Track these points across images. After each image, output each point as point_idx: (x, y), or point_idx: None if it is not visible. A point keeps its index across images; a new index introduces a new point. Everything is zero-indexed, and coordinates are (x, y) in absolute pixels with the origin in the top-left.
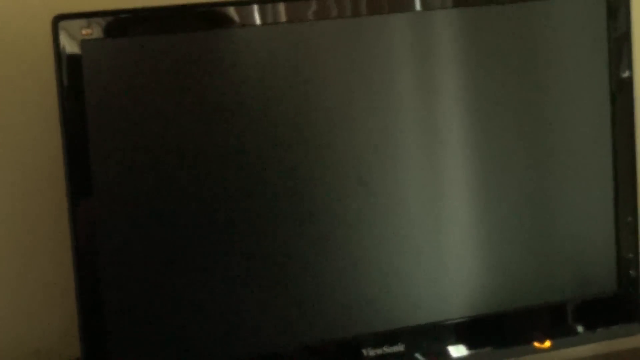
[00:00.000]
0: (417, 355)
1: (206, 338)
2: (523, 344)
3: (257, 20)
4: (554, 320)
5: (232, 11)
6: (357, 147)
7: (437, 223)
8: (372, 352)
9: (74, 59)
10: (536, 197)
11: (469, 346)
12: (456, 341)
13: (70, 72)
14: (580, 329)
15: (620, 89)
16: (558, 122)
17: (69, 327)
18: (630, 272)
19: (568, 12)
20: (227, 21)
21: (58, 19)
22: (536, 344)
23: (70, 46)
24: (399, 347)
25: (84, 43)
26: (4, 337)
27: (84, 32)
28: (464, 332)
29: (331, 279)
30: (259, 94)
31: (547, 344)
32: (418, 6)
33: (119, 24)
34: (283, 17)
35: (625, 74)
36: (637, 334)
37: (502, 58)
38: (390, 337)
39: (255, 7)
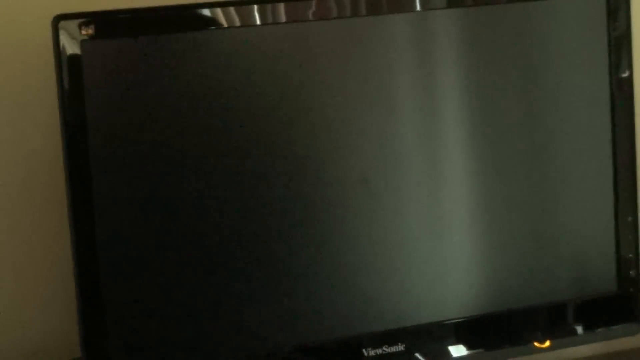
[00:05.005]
0: (418, 355)
1: (206, 338)
2: (523, 344)
3: (258, 20)
4: (554, 320)
5: (232, 11)
6: (359, 147)
7: (437, 223)
8: (372, 352)
9: (74, 59)
10: (536, 197)
11: (469, 346)
12: (456, 341)
13: (70, 72)
14: (580, 328)
15: (620, 89)
16: (558, 122)
17: (69, 327)
18: (630, 272)
19: (568, 12)
20: (227, 21)
21: (58, 19)
22: (536, 344)
23: (70, 46)
24: (399, 347)
25: (84, 43)
26: (3, 337)
27: (83, 32)
28: (464, 332)
29: (331, 279)
30: (260, 94)
31: (547, 343)
32: (418, 6)
33: (119, 24)
34: (283, 17)
35: (625, 74)
36: (637, 334)
37: (502, 58)
38: (390, 337)
39: (256, 8)
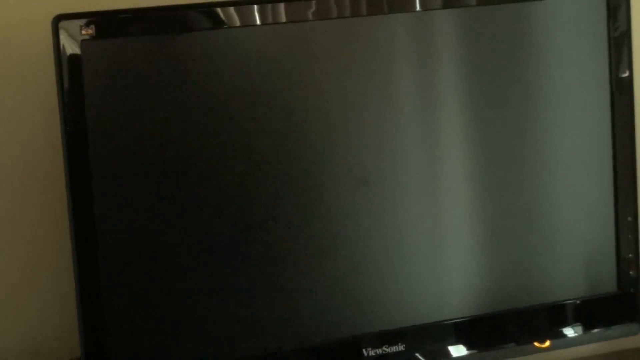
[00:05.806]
0: (418, 355)
1: (206, 338)
2: (523, 344)
3: (257, 20)
4: (554, 320)
5: (232, 11)
6: (359, 147)
7: (437, 223)
8: (372, 352)
9: (73, 59)
10: (536, 197)
11: (469, 346)
12: (456, 341)
13: (70, 72)
14: (580, 328)
15: (620, 89)
16: (558, 122)
17: (69, 327)
18: (630, 272)
19: (568, 12)
20: (227, 21)
21: (58, 19)
22: (536, 344)
23: (70, 46)
24: (400, 347)
25: (83, 43)
26: (3, 337)
27: (83, 32)
28: (464, 332)
29: (331, 279)
30: (260, 94)
31: (547, 343)
32: (418, 6)
33: (119, 24)
34: (283, 17)
35: (625, 74)
36: (637, 334)
37: (502, 58)
38: (390, 337)
39: (255, 7)
